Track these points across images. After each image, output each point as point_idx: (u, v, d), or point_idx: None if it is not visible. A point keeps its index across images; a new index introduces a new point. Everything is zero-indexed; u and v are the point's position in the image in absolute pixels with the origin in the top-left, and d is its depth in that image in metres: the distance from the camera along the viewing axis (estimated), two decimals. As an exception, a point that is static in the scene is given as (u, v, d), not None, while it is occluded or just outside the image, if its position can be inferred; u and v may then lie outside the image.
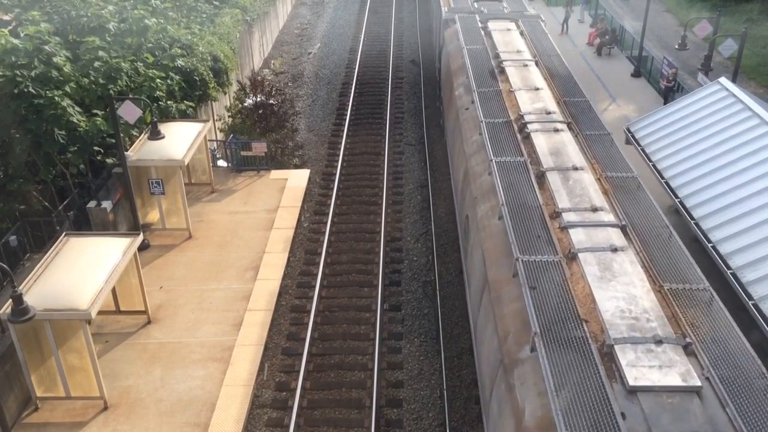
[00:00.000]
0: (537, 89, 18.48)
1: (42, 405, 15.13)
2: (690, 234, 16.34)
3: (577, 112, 17.43)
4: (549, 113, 17.03)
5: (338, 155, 27.17)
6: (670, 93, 29.15)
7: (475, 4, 27.31)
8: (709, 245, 15.70)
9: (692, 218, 16.78)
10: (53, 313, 13.99)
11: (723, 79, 21.54)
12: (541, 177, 14.23)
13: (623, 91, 32.27)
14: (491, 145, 15.62)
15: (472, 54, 21.27)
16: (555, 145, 15.51)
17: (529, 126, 16.35)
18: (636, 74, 34.13)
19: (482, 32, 23.23)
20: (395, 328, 18.46)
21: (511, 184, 14.03)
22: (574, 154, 15.04)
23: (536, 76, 19.44)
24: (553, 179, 14.02)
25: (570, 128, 16.40)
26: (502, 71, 19.97)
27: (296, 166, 26.33)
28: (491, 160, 14.94)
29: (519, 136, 16.07)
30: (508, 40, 22.57)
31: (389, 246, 21.81)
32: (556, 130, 16.10)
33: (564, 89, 18.90)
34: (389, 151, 27.71)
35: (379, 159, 27.19)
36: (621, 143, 17.55)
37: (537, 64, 20.48)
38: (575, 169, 14.32)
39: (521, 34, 23.37)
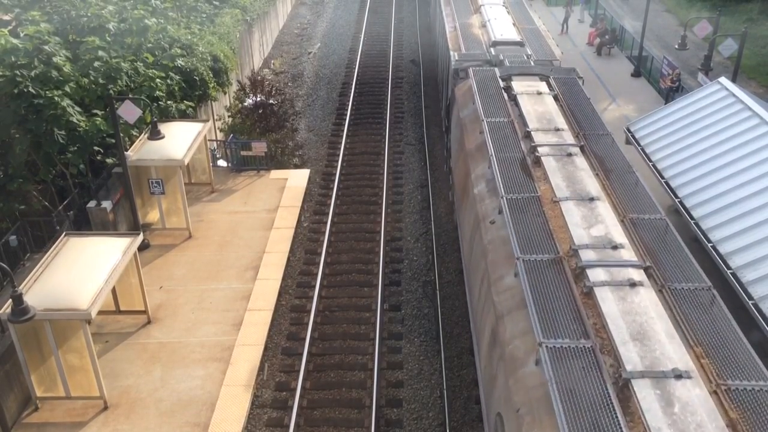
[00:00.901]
0: (591, 200, 13.31)
1: (42, 405, 15.13)
2: (690, 234, 16.35)
3: (656, 245, 12.10)
4: (615, 247, 11.76)
5: (338, 155, 27.17)
6: (673, 93, 29.11)
7: (492, 50, 21.85)
8: (709, 245, 15.71)
9: (692, 218, 16.80)
10: (53, 313, 13.99)
11: (723, 79, 21.55)
12: (625, 387, 9.13)
13: (623, 90, 32.28)
14: (537, 312, 10.49)
15: (496, 132, 16.21)
16: (635, 316, 10.25)
17: (589, 274, 11.16)
18: (636, 74, 34.16)
19: (505, 95, 18.13)
20: (395, 327, 18.46)
21: (576, 397, 8.94)
22: (667, 338, 9.81)
23: (586, 176, 14.27)
24: (646, 398, 8.83)
25: (651, 277, 11.25)
26: (538, 163, 14.95)
27: (296, 166, 26.33)
28: (540, 344, 9.88)
29: (576, 290, 10.97)
30: (541, 110, 17.40)
31: (389, 246, 21.81)
32: (632, 284, 10.87)
33: (627, 198, 13.63)
34: (389, 150, 27.70)
35: (379, 159, 27.19)
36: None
37: (583, 151, 15.44)
38: (678, 377, 9.09)
39: (556, 99, 18.23)
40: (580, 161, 14.92)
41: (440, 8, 29.24)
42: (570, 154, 15.14)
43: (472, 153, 16.97)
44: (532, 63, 20.70)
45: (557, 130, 16.25)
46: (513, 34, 23.49)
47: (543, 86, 18.95)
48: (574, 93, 18.81)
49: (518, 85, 19.00)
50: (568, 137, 15.99)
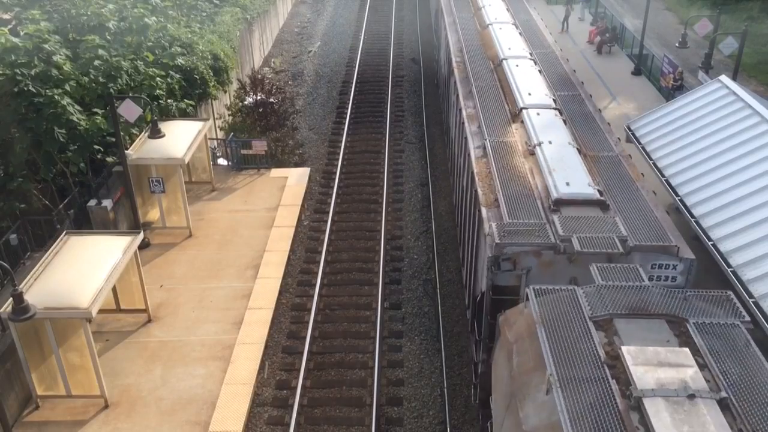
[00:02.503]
0: None
1: (43, 403, 15.14)
2: (690, 232, 16.35)
3: None
4: None
5: (338, 153, 27.16)
6: (674, 92, 29.04)
7: (556, 220, 13.03)
8: (710, 243, 15.70)
9: (692, 216, 16.78)
10: (54, 311, 14.00)
11: (723, 77, 21.53)
12: None
13: (623, 89, 32.26)
14: None
15: None
16: None
17: None
18: (636, 72, 34.14)
19: (614, 388, 8.67)
20: (396, 326, 18.46)
21: None
22: None
23: None
24: None
25: None
26: None
27: (296, 165, 26.31)
28: None
29: None
30: None
31: (389, 244, 21.81)
32: None
33: None
34: (389, 149, 27.69)
35: (379, 157, 27.18)
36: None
37: None
38: None
39: (725, 409, 8.49)
40: None
41: (458, 105, 19.62)
42: None
43: None
44: (641, 271, 11.32)
45: None
46: (586, 182, 14.11)
47: (688, 363, 8.99)
48: (759, 387, 8.76)
49: (635, 356, 9.11)
50: None
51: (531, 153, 15.76)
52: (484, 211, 13.99)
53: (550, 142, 15.74)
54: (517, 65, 20.63)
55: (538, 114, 17.30)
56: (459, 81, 20.69)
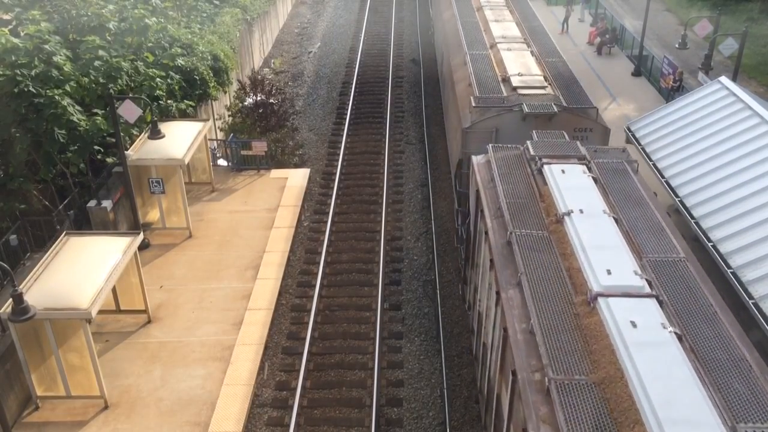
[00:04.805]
0: None
1: (42, 404, 15.13)
2: (690, 233, 16.35)
3: None
4: None
5: (338, 154, 27.16)
6: (674, 93, 29.06)
7: None
8: (709, 244, 15.71)
9: (692, 217, 16.80)
10: (53, 312, 14.00)
11: (723, 78, 21.54)
12: None
13: (623, 90, 32.28)
14: None
15: None
16: None
17: None
18: (636, 73, 34.16)
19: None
20: (395, 327, 18.46)
21: None
22: None
23: None
24: None
25: None
26: None
27: (296, 165, 26.31)
28: None
29: None
30: None
31: (389, 245, 21.80)
32: None
33: None
34: (389, 150, 27.69)
35: (379, 158, 27.18)
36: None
37: None
38: None
39: None
40: None
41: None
42: None
43: None
44: None
45: None
46: None
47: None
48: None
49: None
50: None
51: None
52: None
53: None
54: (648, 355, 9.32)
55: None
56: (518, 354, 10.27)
